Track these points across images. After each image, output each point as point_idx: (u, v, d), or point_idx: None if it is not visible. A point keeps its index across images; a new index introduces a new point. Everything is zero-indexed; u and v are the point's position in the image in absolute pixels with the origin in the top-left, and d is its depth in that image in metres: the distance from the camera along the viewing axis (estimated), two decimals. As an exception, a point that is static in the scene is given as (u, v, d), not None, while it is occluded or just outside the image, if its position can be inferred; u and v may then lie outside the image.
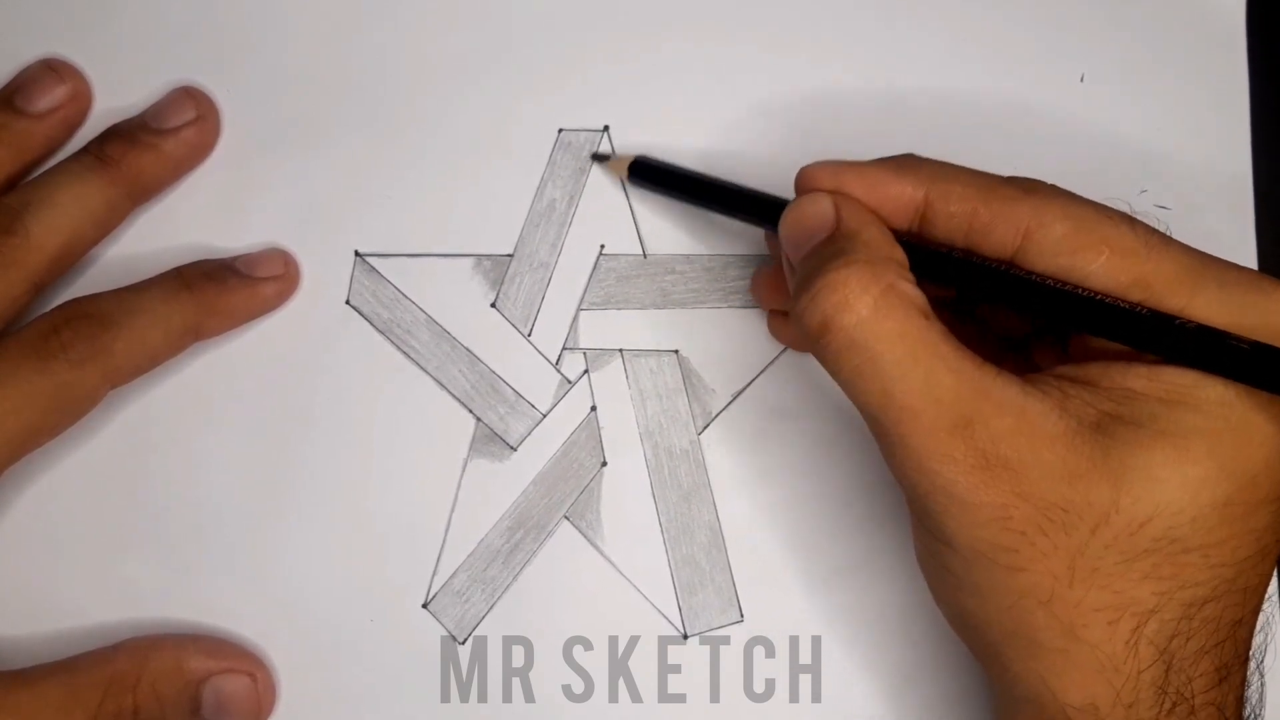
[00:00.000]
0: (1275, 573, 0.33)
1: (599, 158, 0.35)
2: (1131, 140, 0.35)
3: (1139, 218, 0.27)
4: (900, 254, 0.27)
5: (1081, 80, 0.35)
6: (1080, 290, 0.26)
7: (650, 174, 0.34)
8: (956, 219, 0.27)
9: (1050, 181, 0.28)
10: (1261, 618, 0.27)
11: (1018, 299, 0.27)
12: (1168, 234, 0.26)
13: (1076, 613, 0.25)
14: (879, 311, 0.25)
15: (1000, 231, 0.27)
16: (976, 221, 0.27)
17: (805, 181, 0.29)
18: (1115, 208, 0.27)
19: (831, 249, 0.26)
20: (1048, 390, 0.26)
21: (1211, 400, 0.25)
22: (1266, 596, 0.26)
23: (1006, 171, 0.35)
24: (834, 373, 0.26)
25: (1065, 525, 0.24)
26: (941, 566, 0.27)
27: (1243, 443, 0.25)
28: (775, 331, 0.34)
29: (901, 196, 0.28)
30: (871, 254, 0.26)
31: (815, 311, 0.25)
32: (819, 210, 0.27)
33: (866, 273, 0.25)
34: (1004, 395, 0.25)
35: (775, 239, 0.29)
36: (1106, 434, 0.25)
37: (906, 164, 0.28)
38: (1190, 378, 0.25)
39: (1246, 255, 0.35)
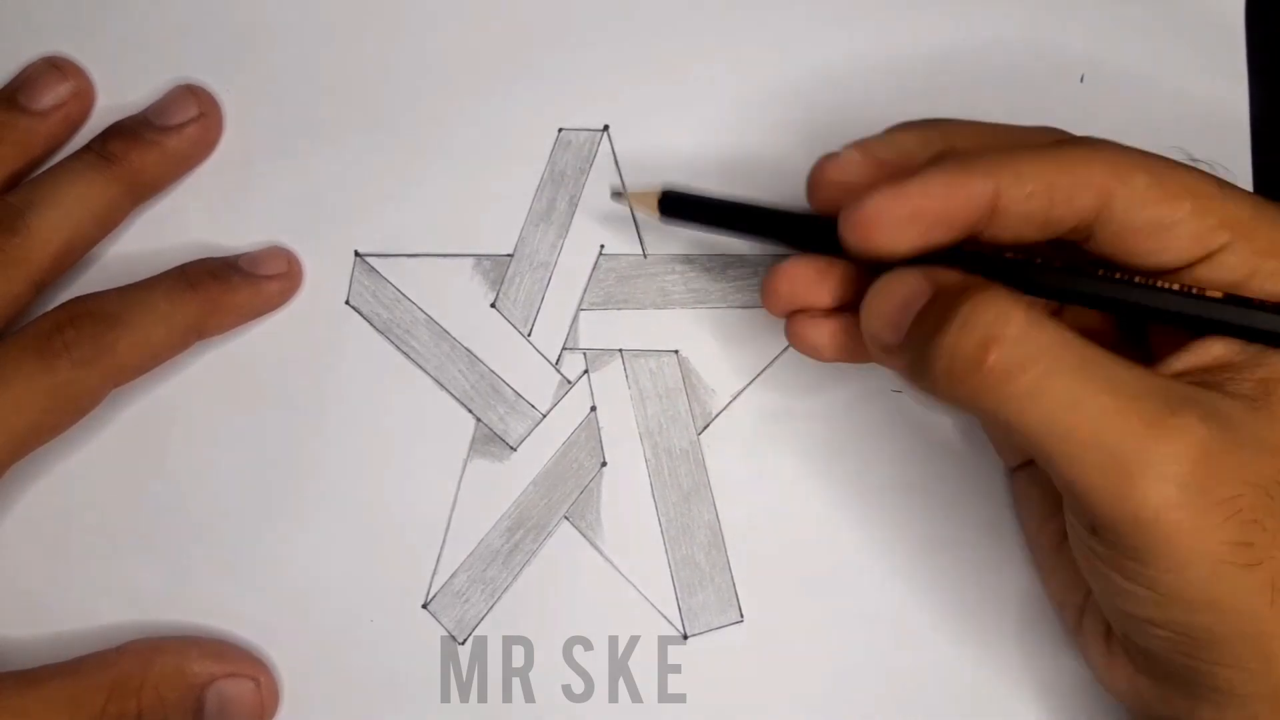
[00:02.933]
0: None
1: (619, 194, 0.33)
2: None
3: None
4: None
5: (1081, 80, 0.35)
6: (1193, 291, 0.25)
7: (682, 207, 0.31)
8: (1035, 198, 0.25)
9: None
10: None
11: (1134, 308, 0.26)
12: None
13: None
14: (1034, 325, 0.24)
15: (1081, 196, 0.25)
16: (1056, 194, 0.25)
17: (868, 214, 0.26)
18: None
19: (946, 301, 0.25)
20: (1207, 386, 0.25)
21: None
22: None
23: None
24: (996, 406, 0.24)
25: None
26: (1147, 599, 0.24)
27: None
28: (801, 339, 0.30)
29: (980, 196, 0.25)
30: (990, 285, 0.25)
31: (966, 341, 0.24)
32: (912, 284, 0.26)
33: (1002, 294, 0.24)
34: (1184, 392, 0.24)
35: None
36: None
37: (963, 163, 0.26)
38: None
39: (1246, 256, 0.35)
